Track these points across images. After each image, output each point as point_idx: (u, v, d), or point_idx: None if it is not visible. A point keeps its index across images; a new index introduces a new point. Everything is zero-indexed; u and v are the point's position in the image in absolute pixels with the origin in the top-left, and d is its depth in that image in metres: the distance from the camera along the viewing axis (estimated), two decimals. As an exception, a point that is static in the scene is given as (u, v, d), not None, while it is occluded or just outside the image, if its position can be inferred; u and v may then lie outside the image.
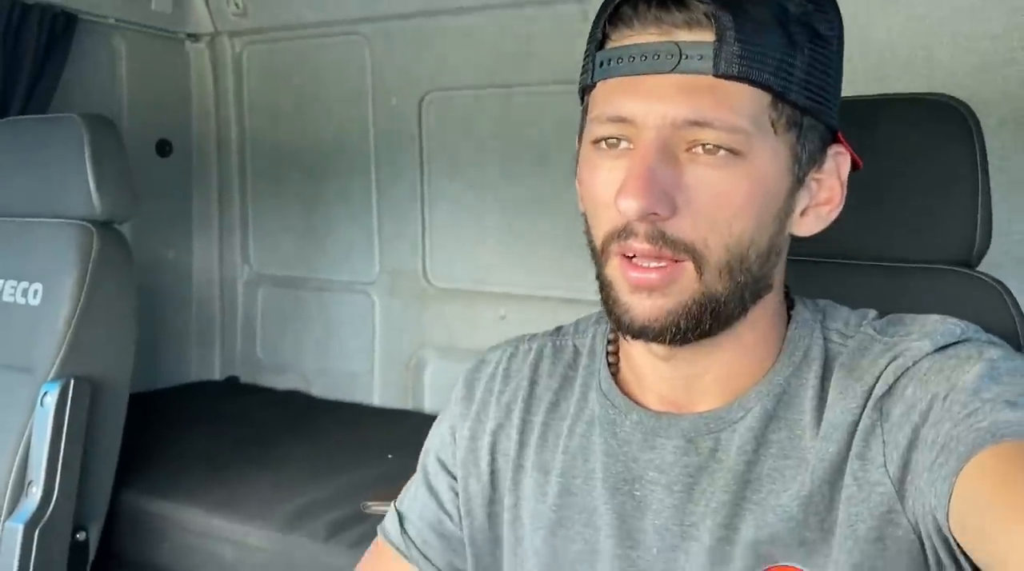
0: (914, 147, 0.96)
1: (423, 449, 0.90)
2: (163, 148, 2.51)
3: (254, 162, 2.60)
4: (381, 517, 1.56)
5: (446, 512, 0.84)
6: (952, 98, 0.96)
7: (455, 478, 0.84)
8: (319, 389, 2.51)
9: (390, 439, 2.09)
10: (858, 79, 1.65)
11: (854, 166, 0.72)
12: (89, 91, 2.26)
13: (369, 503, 1.61)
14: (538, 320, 2.11)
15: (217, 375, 2.68)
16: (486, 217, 2.23)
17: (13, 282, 1.66)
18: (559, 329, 0.86)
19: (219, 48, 2.54)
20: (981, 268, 0.96)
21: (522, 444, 0.80)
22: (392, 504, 0.90)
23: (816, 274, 1.00)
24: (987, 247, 0.95)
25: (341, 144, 2.42)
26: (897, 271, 0.97)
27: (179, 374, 2.60)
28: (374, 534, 1.51)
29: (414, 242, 2.33)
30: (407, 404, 2.36)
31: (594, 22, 0.67)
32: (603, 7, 0.66)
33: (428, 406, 2.35)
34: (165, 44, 2.47)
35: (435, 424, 0.89)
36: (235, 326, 2.67)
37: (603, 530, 0.73)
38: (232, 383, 2.65)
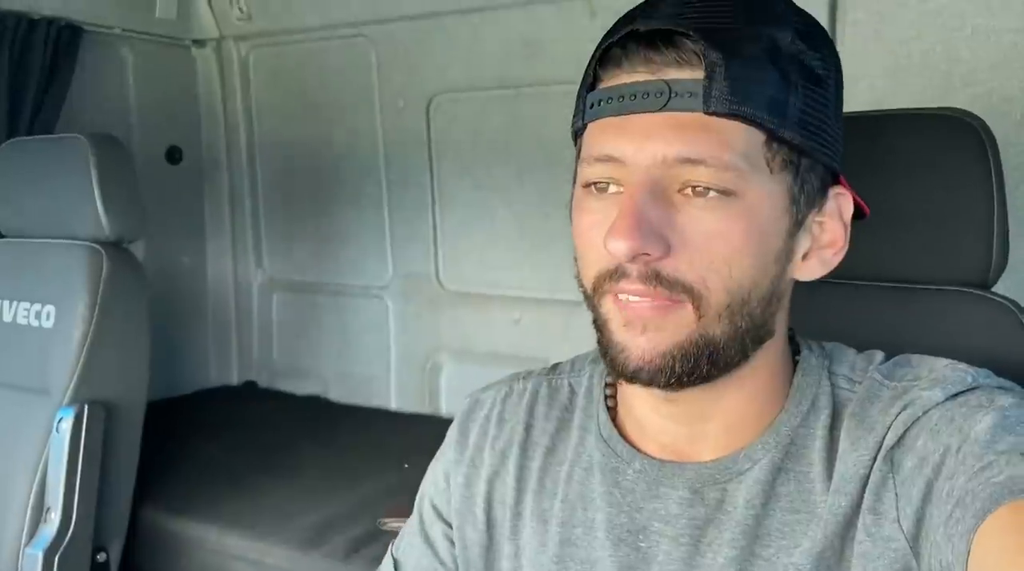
0: (928, 164, 0.93)
1: (419, 493, 0.88)
2: (173, 155, 2.51)
3: (264, 166, 2.59)
4: (397, 534, 1.58)
5: (441, 562, 0.82)
6: (967, 113, 0.93)
7: (450, 526, 0.82)
8: (337, 393, 2.52)
9: (407, 444, 2.09)
10: (874, 74, 1.63)
11: (861, 214, 0.70)
12: (97, 102, 2.26)
13: (385, 519, 1.61)
14: (552, 324, 2.14)
15: (235, 380, 2.70)
16: (497, 219, 2.21)
17: (27, 304, 1.67)
18: (555, 367, 0.84)
19: (225, 53, 2.53)
20: (998, 288, 0.94)
21: (519, 491, 0.78)
22: (389, 550, 0.88)
23: (828, 296, 0.98)
24: (1004, 266, 0.93)
25: (350, 147, 2.40)
26: (911, 293, 0.95)
27: (198, 380, 2.62)
28: (390, 552, 1.53)
29: (426, 245, 2.32)
30: (424, 408, 2.36)
31: (587, 66, 0.66)
32: (595, 50, 0.65)
33: (445, 409, 2.35)
34: (171, 51, 2.47)
35: (431, 466, 0.87)
36: (251, 331, 2.68)
37: None
38: (250, 388, 2.67)
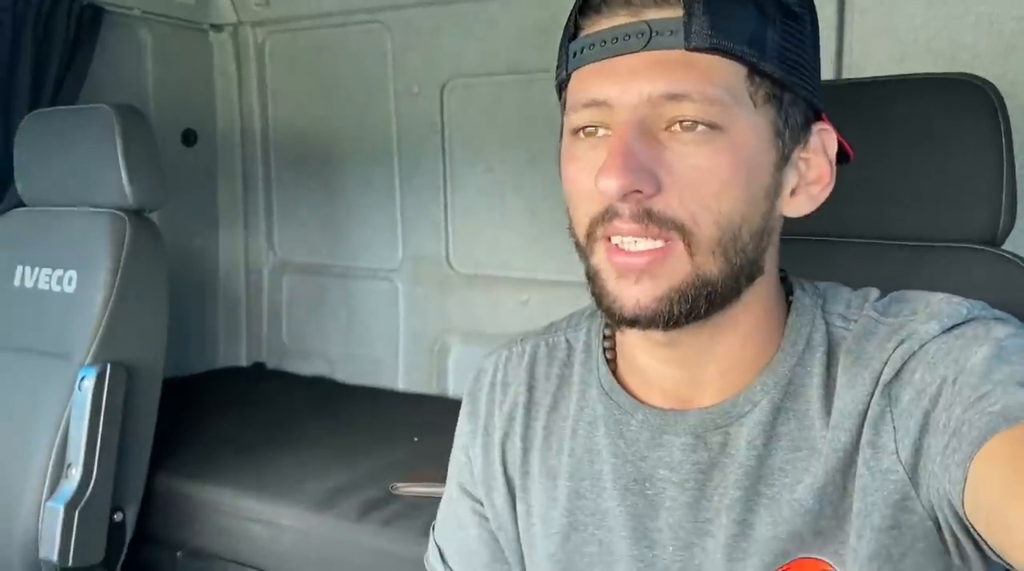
0: (938, 127, 0.96)
1: (448, 473, 0.89)
2: (188, 138, 2.54)
3: (277, 150, 2.62)
4: (411, 499, 1.60)
5: (476, 539, 0.84)
6: (976, 77, 0.97)
7: (478, 502, 0.84)
8: (344, 374, 2.54)
9: (415, 422, 2.12)
10: (881, 61, 1.67)
11: (847, 157, 0.71)
12: (116, 82, 2.29)
13: (398, 484, 1.64)
14: (560, 305, 2.11)
15: (244, 361, 2.72)
16: (508, 203, 2.24)
17: (48, 270, 1.70)
18: (551, 325, 0.85)
19: (242, 38, 2.56)
20: (1006, 246, 0.97)
21: (526, 450, 0.79)
22: (431, 536, 0.89)
23: (840, 254, 1.01)
24: (1012, 225, 0.95)
25: (364, 131, 2.43)
26: (922, 250, 0.98)
27: (207, 360, 2.64)
28: (405, 514, 1.56)
29: (437, 228, 2.34)
30: (431, 389, 2.39)
31: (568, 18, 0.67)
32: (575, 1, 0.66)
33: (452, 391, 2.37)
34: (189, 35, 2.50)
35: (454, 444, 0.88)
36: (261, 313, 2.70)
37: (617, 531, 0.72)
38: (259, 369, 2.69)
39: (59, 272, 1.68)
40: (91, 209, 1.70)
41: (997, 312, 0.67)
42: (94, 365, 1.54)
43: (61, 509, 1.48)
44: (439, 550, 0.87)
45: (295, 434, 2.03)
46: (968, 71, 1.60)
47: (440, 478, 1.62)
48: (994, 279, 0.95)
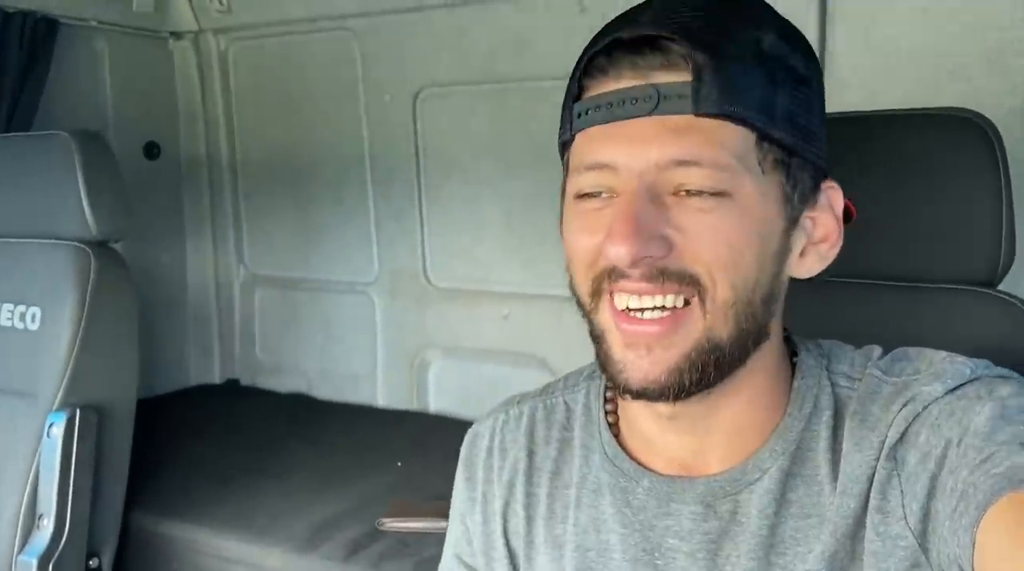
0: (935, 163, 0.95)
1: (446, 542, 0.86)
2: (151, 151, 2.46)
3: (245, 162, 2.55)
4: (397, 535, 1.57)
5: None
6: (974, 113, 0.94)
7: None
8: (321, 391, 2.49)
9: (397, 442, 2.09)
10: (864, 71, 1.65)
11: (849, 216, 0.71)
12: (73, 96, 2.21)
13: (384, 520, 1.60)
14: (541, 319, 2.14)
15: (217, 378, 2.66)
16: (485, 214, 2.20)
17: (10, 305, 1.63)
18: (547, 387, 0.83)
19: (204, 46, 2.48)
20: (1002, 287, 0.95)
21: (529, 519, 0.77)
22: None
23: (837, 294, 0.99)
24: (1011, 265, 0.94)
25: (334, 142, 2.37)
26: (919, 292, 0.96)
27: (178, 379, 2.58)
28: (392, 553, 1.52)
29: (413, 241, 2.30)
30: (412, 404, 2.35)
31: (570, 78, 0.65)
32: (578, 62, 0.64)
33: (433, 406, 2.34)
34: (148, 44, 2.41)
35: (451, 507, 0.86)
36: (233, 328, 2.64)
37: None
38: (232, 386, 2.64)
39: (21, 308, 1.61)
40: (53, 241, 1.63)
41: (1000, 369, 0.66)
42: (63, 410, 1.48)
43: (34, 563, 1.43)
44: None
45: (275, 460, 1.98)
46: (951, 82, 1.61)
47: (427, 511, 1.61)
48: (993, 321, 0.94)
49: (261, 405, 2.44)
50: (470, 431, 0.85)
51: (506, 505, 0.78)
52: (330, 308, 2.48)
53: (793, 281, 0.70)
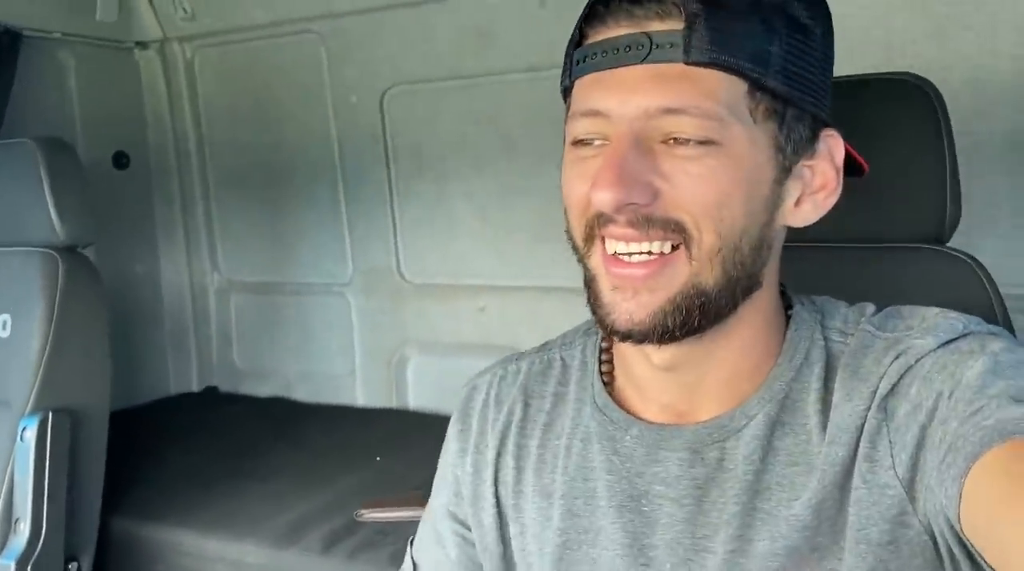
0: (881, 127, 0.96)
1: (433, 488, 0.87)
2: (120, 160, 2.45)
3: (215, 168, 2.55)
4: (375, 525, 1.57)
5: (455, 562, 0.83)
6: (916, 76, 0.97)
7: (462, 524, 0.82)
8: (301, 393, 2.49)
9: (376, 439, 2.09)
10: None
11: (860, 170, 0.71)
12: (39, 109, 2.20)
13: (362, 511, 1.60)
14: (517, 310, 2.15)
15: (195, 386, 2.65)
16: (457, 210, 2.21)
17: (-21, 314, 1.62)
18: (545, 344, 0.84)
19: (169, 54, 2.48)
20: (952, 244, 0.97)
21: (519, 470, 0.78)
22: (408, 551, 0.88)
23: (791, 259, 1.00)
24: (957, 222, 0.96)
25: (303, 145, 2.38)
26: (872, 252, 0.98)
27: (157, 388, 2.57)
28: (371, 543, 1.53)
29: (386, 240, 2.30)
30: (391, 402, 2.35)
31: (575, 25, 0.67)
32: (584, 8, 0.66)
33: (412, 403, 2.34)
34: (113, 54, 2.41)
35: (439, 463, 0.86)
36: (209, 335, 2.64)
37: (612, 550, 0.72)
38: (212, 393, 2.62)
39: (-8, 316, 1.61)
40: (20, 248, 1.62)
41: (991, 327, 0.67)
42: (35, 414, 1.48)
43: (12, 566, 1.42)
44: (415, 566, 0.86)
45: (255, 462, 1.98)
46: (900, 57, 1.64)
47: (405, 501, 1.61)
48: (943, 277, 0.96)
49: (241, 410, 2.43)
50: (467, 384, 0.86)
51: (498, 456, 0.79)
52: (306, 311, 2.48)
53: None
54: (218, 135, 2.52)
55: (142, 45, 2.46)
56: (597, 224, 0.64)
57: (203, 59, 2.47)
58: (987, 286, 0.93)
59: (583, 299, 0.69)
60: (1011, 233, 1.56)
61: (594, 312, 0.66)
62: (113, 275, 2.31)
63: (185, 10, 2.35)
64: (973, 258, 0.95)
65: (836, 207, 1.00)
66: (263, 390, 2.55)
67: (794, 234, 0.99)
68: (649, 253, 0.63)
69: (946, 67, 1.59)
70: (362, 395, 2.40)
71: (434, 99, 2.18)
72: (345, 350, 2.42)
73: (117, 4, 2.31)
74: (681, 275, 0.63)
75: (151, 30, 2.42)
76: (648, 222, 0.62)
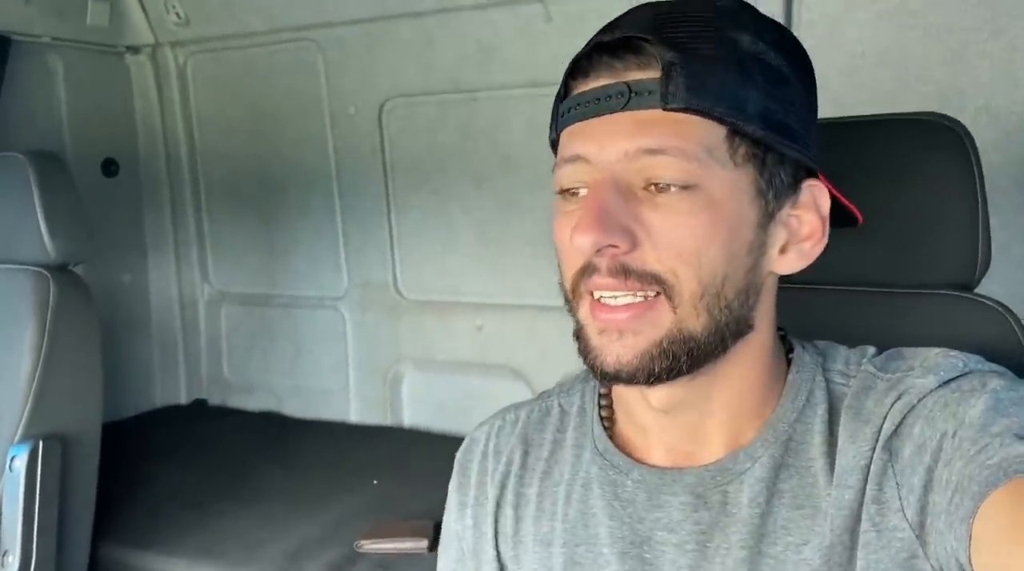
0: (909, 168, 0.94)
1: (439, 546, 0.85)
2: (109, 168, 2.40)
3: (207, 177, 2.50)
4: (377, 557, 1.54)
5: None
6: (947, 117, 0.95)
7: None
8: (292, 408, 2.45)
9: (372, 458, 2.06)
10: (830, 74, 1.66)
11: (852, 221, 0.72)
12: (28, 113, 2.15)
13: (362, 542, 1.56)
14: (516, 329, 2.12)
15: (183, 399, 2.60)
16: (455, 225, 2.18)
17: (-34, 335, 1.57)
18: (544, 393, 0.84)
19: (161, 60, 2.43)
20: (980, 290, 0.95)
21: (518, 519, 0.77)
22: None
23: (814, 301, 0.99)
24: (987, 268, 0.94)
25: (299, 155, 2.34)
26: (897, 297, 0.96)
27: (143, 401, 2.52)
28: (373, 576, 1.48)
29: (382, 254, 2.27)
30: (386, 419, 2.32)
31: (561, 81, 0.69)
32: (569, 65, 0.68)
33: (407, 420, 2.31)
34: (104, 59, 2.35)
35: (443, 519, 0.85)
36: (199, 347, 2.59)
37: None
38: (200, 406, 2.58)
39: (-22, 337, 1.55)
40: (10, 266, 1.57)
41: (993, 365, 0.67)
42: (25, 442, 1.43)
43: (-1, 602, 1.38)
44: None
45: (248, 482, 1.93)
46: (916, 83, 1.62)
47: (405, 531, 1.58)
48: (972, 324, 0.94)
49: (230, 425, 2.38)
50: (467, 438, 0.85)
51: (497, 507, 0.78)
52: (299, 324, 2.44)
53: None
54: (210, 143, 2.47)
55: (133, 50, 2.40)
56: (583, 276, 0.65)
57: (196, 65, 2.42)
58: (1018, 333, 0.91)
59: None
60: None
61: (584, 358, 0.66)
62: (101, 284, 2.26)
63: (178, 15, 2.29)
64: (1003, 305, 0.93)
65: (861, 250, 0.98)
66: (253, 404, 2.51)
67: (816, 277, 0.97)
68: (633, 295, 0.64)
69: (961, 95, 1.57)
70: (355, 411, 2.36)
71: (434, 112, 2.14)
72: (338, 365, 2.38)
73: (108, 8, 2.25)
74: (665, 321, 0.63)
75: (143, 35, 2.36)
76: (626, 272, 0.62)
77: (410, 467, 1.97)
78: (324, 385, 2.40)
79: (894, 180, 0.95)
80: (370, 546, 1.55)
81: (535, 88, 1.95)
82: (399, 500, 1.77)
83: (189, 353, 2.60)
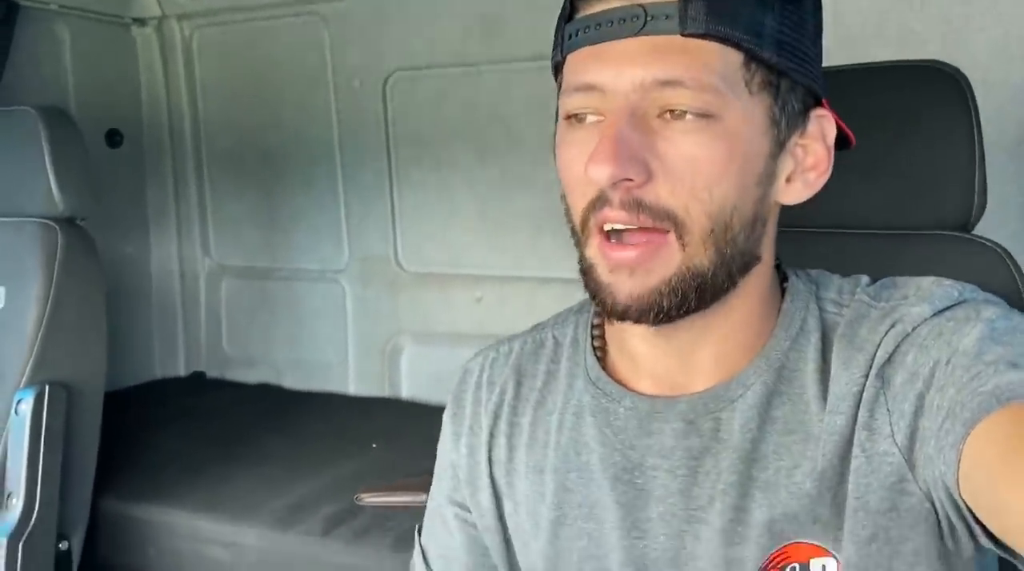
0: (908, 114, 0.97)
1: (434, 475, 0.86)
2: (113, 138, 2.41)
3: (210, 150, 2.51)
4: (376, 509, 1.55)
5: (459, 546, 0.82)
6: (944, 63, 0.97)
7: (464, 507, 0.82)
8: (291, 381, 2.46)
9: (371, 428, 2.07)
10: (830, 48, 1.68)
11: (847, 143, 0.71)
12: (33, 81, 2.15)
13: (362, 495, 1.58)
14: (515, 301, 2.14)
15: (182, 371, 2.61)
16: (457, 199, 2.19)
17: (-27, 285, 1.58)
18: (537, 325, 0.83)
19: (167, 32, 2.44)
20: (976, 231, 0.98)
21: (512, 448, 0.78)
22: (416, 538, 0.87)
23: (814, 244, 1.01)
24: (983, 210, 0.97)
25: (302, 128, 2.35)
26: (896, 238, 0.98)
27: (142, 372, 2.52)
28: (373, 527, 1.51)
29: (384, 227, 2.28)
30: (384, 391, 2.33)
31: None
32: None
33: (406, 392, 2.32)
34: (111, 30, 2.37)
35: (438, 449, 0.86)
36: (198, 320, 2.60)
37: (607, 523, 0.71)
38: (198, 379, 2.58)
39: (-15, 287, 1.57)
40: (17, 219, 1.59)
41: (987, 294, 0.67)
42: (31, 387, 1.44)
43: (4, 542, 1.38)
44: (423, 552, 0.85)
45: (247, 447, 1.94)
46: (915, 54, 1.64)
47: (406, 486, 1.59)
48: (969, 265, 0.96)
49: (229, 396, 2.39)
50: (461, 368, 0.85)
51: (491, 436, 0.79)
52: (299, 297, 2.45)
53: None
54: (214, 116, 2.48)
55: (140, 22, 2.42)
56: (594, 209, 0.63)
57: (201, 38, 2.44)
58: (1015, 273, 0.93)
59: (581, 290, 0.68)
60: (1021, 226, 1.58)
61: (594, 296, 0.66)
62: (101, 254, 2.26)
63: (185, -12, 2.32)
64: (1000, 246, 0.95)
65: (861, 192, 1.01)
66: (252, 377, 2.51)
67: (816, 220, 0.99)
68: (641, 230, 0.63)
69: (959, 67, 1.60)
70: (354, 384, 2.37)
71: (438, 86, 2.16)
72: (338, 338, 2.39)
73: (116, -22, 2.27)
74: (674, 259, 0.63)
75: (150, 7, 2.38)
76: (639, 206, 0.61)
77: (409, 435, 1.98)
78: (324, 358, 2.41)
79: (894, 125, 0.97)
80: (370, 499, 1.57)
81: (539, 62, 1.96)
82: (398, 465, 1.77)
83: (189, 325, 2.60)
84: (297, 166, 2.39)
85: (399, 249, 2.29)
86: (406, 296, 2.29)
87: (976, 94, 0.96)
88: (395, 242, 2.29)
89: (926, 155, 0.96)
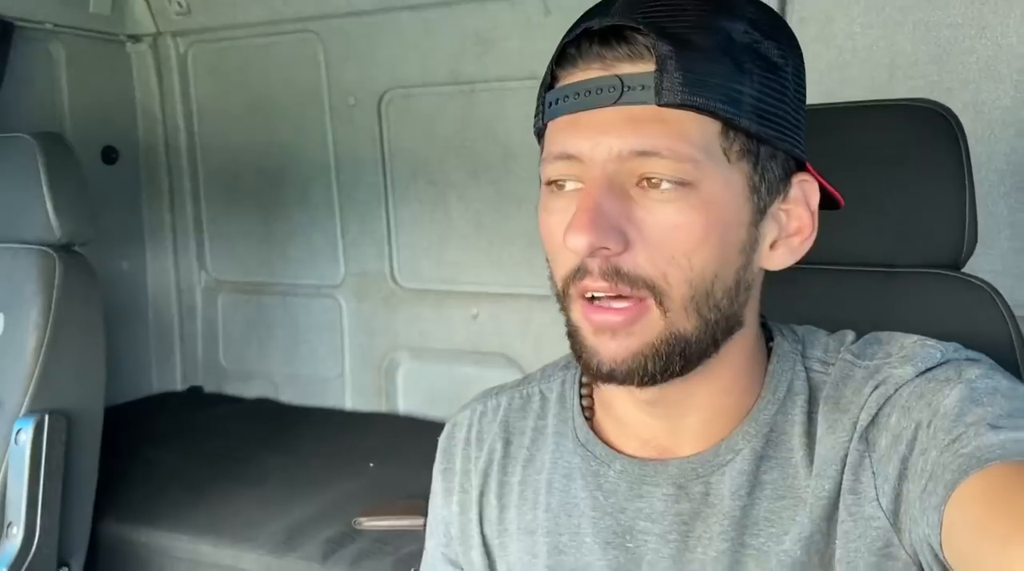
0: (900, 152, 0.97)
1: (427, 530, 0.86)
2: (109, 155, 2.41)
3: (206, 166, 2.52)
4: (375, 533, 1.56)
5: None
6: (936, 103, 0.98)
7: (457, 566, 0.82)
8: (288, 395, 2.47)
9: (368, 445, 2.08)
10: (821, 69, 1.70)
11: (835, 204, 0.71)
12: (29, 100, 2.16)
13: (361, 519, 1.59)
14: (510, 318, 2.15)
15: (179, 386, 2.61)
16: (453, 216, 2.21)
17: (-29, 312, 1.58)
18: (525, 378, 0.84)
19: (162, 49, 2.44)
20: (966, 270, 0.99)
21: (502, 507, 0.78)
22: None
23: (806, 281, 1.01)
24: (974, 249, 0.98)
25: (298, 145, 2.36)
26: (888, 276, 0.99)
27: (139, 387, 2.53)
28: (372, 551, 1.52)
29: (380, 244, 2.29)
30: (380, 407, 2.34)
31: (547, 67, 0.66)
32: (555, 51, 0.65)
33: (402, 408, 2.33)
34: (105, 47, 2.37)
35: (430, 503, 0.86)
36: (195, 335, 2.60)
37: None
38: (195, 393, 2.59)
39: (-17, 314, 1.57)
40: (15, 245, 1.59)
41: (970, 352, 0.67)
42: (30, 416, 1.45)
43: (4, 572, 1.40)
44: None
45: (245, 465, 1.95)
46: (905, 78, 1.67)
47: (403, 509, 1.60)
48: (959, 303, 0.97)
49: (226, 411, 2.40)
50: (448, 422, 0.85)
51: (481, 494, 0.79)
52: (296, 312, 2.46)
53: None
54: (210, 132, 2.49)
55: (134, 39, 2.42)
56: (575, 278, 0.63)
57: (197, 55, 2.44)
58: (1003, 312, 0.95)
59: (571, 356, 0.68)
60: (1009, 255, 1.59)
61: (578, 357, 0.66)
62: (99, 271, 2.27)
63: (180, 4, 2.32)
64: (989, 284, 0.96)
65: (852, 230, 1.02)
66: (249, 391, 2.52)
67: (807, 256, 1.00)
68: (620, 297, 0.63)
69: (949, 89, 1.62)
70: (351, 399, 2.39)
71: (432, 104, 2.17)
72: (334, 353, 2.40)
73: (111, -4, 2.27)
74: (656, 325, 0.62)
75: (144, 24, 2.38)
76: (617, 274, 0.61)
77: (405, 453, 1.99)
78: (320, 373, 2.42)
79: (885, 163, 0.98)
80: (368, 523, 1.58)
81: (533, 80, 1.98)
82: (395, 484, 1.79)
83: (185, 340, 2.61)
84: (293, 182, 2.40)
85: (395, 265, 2.30)
86: (402, 312, 2.30)
87: (965, 118, 0.97)
88: (391, 258, 2.30)
89: (917, 193, 0.97)
